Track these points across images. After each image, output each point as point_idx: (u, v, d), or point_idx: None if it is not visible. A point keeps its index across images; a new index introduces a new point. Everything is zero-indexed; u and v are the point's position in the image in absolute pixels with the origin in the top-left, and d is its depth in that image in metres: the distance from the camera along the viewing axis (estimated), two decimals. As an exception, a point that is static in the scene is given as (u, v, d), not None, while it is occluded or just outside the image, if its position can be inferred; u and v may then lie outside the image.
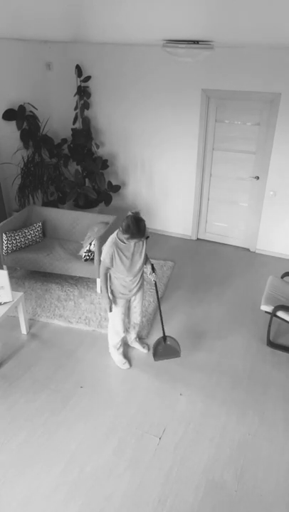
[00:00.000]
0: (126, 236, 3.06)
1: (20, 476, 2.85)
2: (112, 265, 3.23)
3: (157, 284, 4.97)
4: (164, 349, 3.78)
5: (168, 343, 3.77)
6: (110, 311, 3.43)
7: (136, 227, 3.00)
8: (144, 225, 3.05)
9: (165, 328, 4.29)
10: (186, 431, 3.20)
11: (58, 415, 3.30)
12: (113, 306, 3.46)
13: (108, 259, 3.18)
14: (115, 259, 3.20)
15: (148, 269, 3.53)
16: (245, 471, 2.92)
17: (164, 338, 3.76)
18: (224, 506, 2.70)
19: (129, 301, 3.62)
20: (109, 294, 3.39)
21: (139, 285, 3.47)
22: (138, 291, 3.52)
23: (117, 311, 3.48)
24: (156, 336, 4.18)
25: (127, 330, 3.88)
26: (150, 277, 3.53)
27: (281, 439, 3.15)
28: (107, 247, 3.17)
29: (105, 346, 4.02)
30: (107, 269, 3.28)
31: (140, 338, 4.12)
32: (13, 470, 2.89)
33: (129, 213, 3.08)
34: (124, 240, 3.13)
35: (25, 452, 3.01)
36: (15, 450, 3.02)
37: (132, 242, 3.14)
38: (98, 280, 4.76)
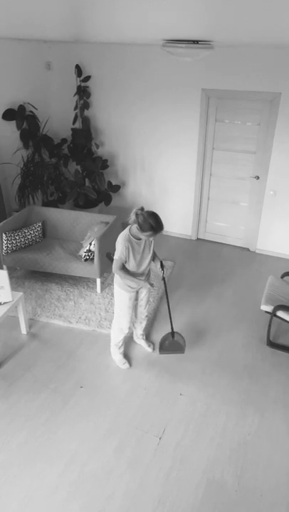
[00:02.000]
0: (148, 233, 3.06)
1: (20, 476, 2.85)
2: (126, 261, 3.27)
3: (156, 282, 4.98)
4: (171, 344, 3.80)
5: (175, 338, 3.80)
6: (151, 285, 3.37)
7: (156, 221, 3.03)
8: (160, 218, 3.08)
9: (164, 328, 4.29)
10: (186, 431, 3.20)
11: (58, 415, 3.30)
12: (121, 300, 3.48)
13: (124, 256, 3.21)
14: (128, 255, 3.24)
15: (157, 265, 3.57)
16: (245, 471, 2.92)
17: (172, 333, 3.78)
18: (224, 506, 2.70)
19: (136, 294, 3.64)
20: (138, 280, 3.33)
21: (145, 278, 3.52)
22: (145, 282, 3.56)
23: (124, 305, 3.50)
24: (156, 335, 4.18)
25: (133, 325, 3.91)
26: (159, 273, 3.56)
27: (281, 439, 3.15)
28: (120, 245, 3.18)
29: (105, 346, 4.02)
30: (122, 266, 3.28)
31: (146, 337, 4.13)
32: (14, 470, 2.89)
33: (137, 211, 3.08)
34: (141, 236, 3.16)
35: (26, 452, 3.01)
36: (15, 450, 3.02)
37: (152, 238, 3.16)
38: (98, 280, 4.76)
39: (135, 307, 3.74)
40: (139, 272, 3.40)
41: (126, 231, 3.22)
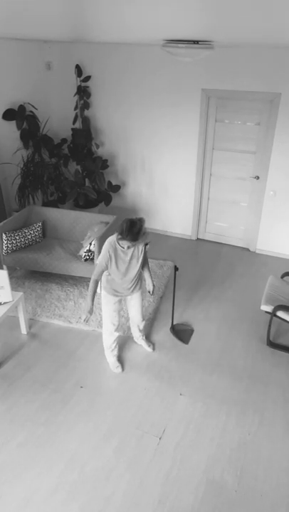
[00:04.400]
0: (118, 237, 3.05)
1: (20, 476, 2.85)
2: (108, 268, 3.22)
3: (156, 282, 4.98)
4: (180, 331, 4.20)
5: (179, 329, 4.24)
6: (85, 320, 3.17)
7: (128, 229, 2.98)
8: (138, 230, 3.00)
9: (164, 328, 4.29)
10: (186, 431, 3.20)
11: (58, 415, 3.30)
12: (105, 303, 3.44)
13: (104, 262, 3.17)
14: (111, 262, 3.18)
15: (149, 284, 3.53)
16: (245, 471, 2.92)
17: (173, 326, 3.92)
18: (224, 506, 2.70)
19: (126, 300, 3.61)
20: (90, 306, 3.21)
21: (134, 286, 3.42)
22: (134, 291, 3.46)
23: (109, 308, 3.45)
24: (156, 335, 4.18)
25: (121, 327, 3.89)
26: (148, 291, 3.57)
27: (281, 439, 3.15)
28: (104, 250, 3.16)
29: (105, 346, 4.02)
30: (102, 272, 3.23)
31: (146, 337, 4.12)
32: (13, 470, 2.89)
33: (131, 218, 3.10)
34: (119, 241, 3.11)
35: (26, 452, 3.01)
36: (15, 450, 3.02)
37: (125, 245, 3.09)
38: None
39: (129, 312, 3.69)
40: (125, 282, 3.32)
41: (113, 236, 3.17)
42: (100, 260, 3.18)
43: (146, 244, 3.30)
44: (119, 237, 3.03)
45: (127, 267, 3.25)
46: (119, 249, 3.17)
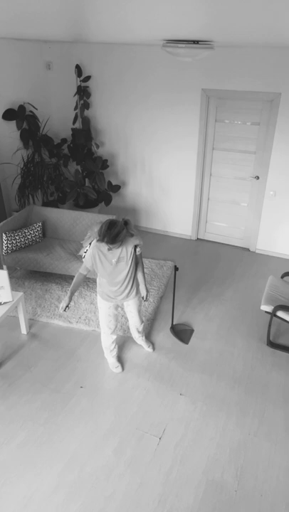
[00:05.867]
0: (97, 238, 3.00)
1: (20, 476, 2.85)
2: (95, 268, 3.19)
3: (156, 282, 4.98)
4: (180, 332, 4.21)
5: (180, 330, 4.25)
6: (63, 310, 3.26)
7: (106, 231, 2.88)
8: (117, 233, 2.89)
9: (164, 328, 4.29)
10: (186, 431, 3.20)
11: (58, 415, 3.30)
12: (100, 307, 3.44)
13: (90, 260, 3.15)
14: (96, 262, 3.15)
15: (142, 290, 3.50)
16: (245, 471, 2.92)
17: (173, 326, 3.95)
18: (224, 506, 2.70)
19: (123, 306, 3.59)
20: (69, 297, 3.26)
21: (127, 292, 3.33)
22: (128, 296, 3.37)
23: (103, 312, 3.43)
24: (156, 335, 4.18)
25: (121, 328, 3.88)
26: (141, 297, 3.55)
27: (281, 439, 3.15)
28: (90, 250, 3.14)
29: (105, 346, 4.02)
30: (87, 270, 3.22)
31: (146, 337, 4.12)
32: (13, 470, 2.89)
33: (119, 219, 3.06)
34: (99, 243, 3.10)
35: (25, 452, 3.01)
36: (15, 450, 3.02)
37: (105, 247, 3.04)
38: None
39: (128, 317, 3.68)
40: (114, 285, 3.25)
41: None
42: (86, 257, 3.18)
43: (135, 247, 3.19)
44: (98, 238, 2.97)
45: (113, 269, 3.18)
46: (104, 250, 3.13)
